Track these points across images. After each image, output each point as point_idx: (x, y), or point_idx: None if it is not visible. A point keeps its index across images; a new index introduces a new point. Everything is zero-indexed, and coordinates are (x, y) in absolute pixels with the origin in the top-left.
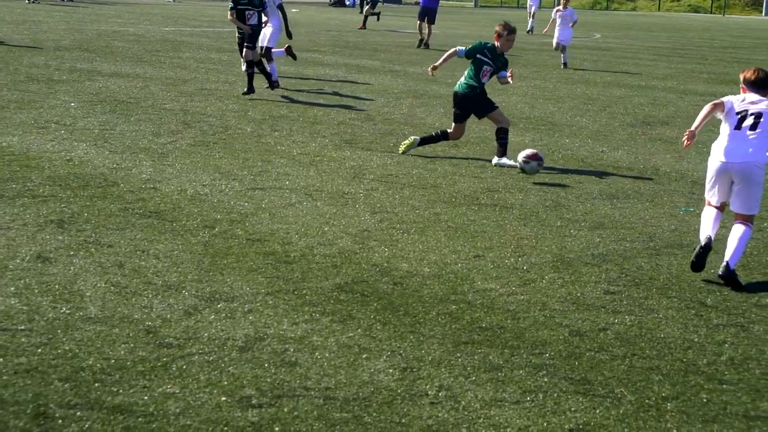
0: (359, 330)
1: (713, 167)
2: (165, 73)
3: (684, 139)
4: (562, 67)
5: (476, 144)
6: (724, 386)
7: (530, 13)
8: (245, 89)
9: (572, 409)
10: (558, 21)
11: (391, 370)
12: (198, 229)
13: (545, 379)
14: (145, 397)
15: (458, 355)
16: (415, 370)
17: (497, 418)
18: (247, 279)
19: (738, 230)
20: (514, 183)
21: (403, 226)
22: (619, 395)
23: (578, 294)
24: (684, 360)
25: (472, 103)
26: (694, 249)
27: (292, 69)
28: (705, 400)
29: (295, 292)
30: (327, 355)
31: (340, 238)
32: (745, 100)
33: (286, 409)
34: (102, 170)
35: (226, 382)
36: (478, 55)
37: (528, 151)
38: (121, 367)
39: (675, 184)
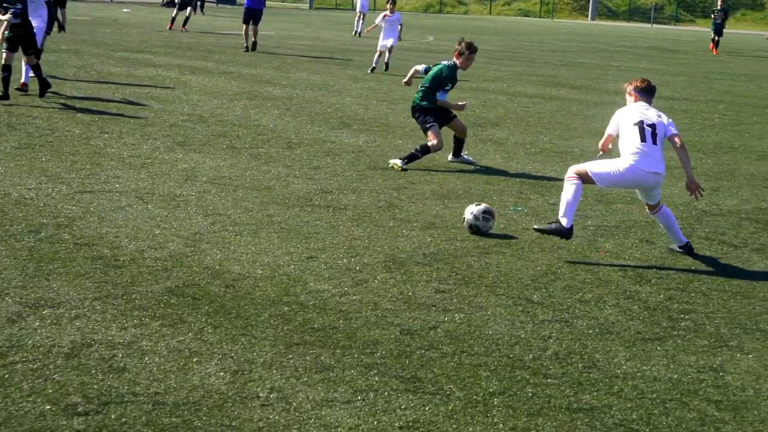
0: (190, 334)
1: (629, 173)
2: None
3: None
4: (384, 68)
5: (310, 145)
6: (549, 380)
7: (358, 17)
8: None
9: (402, 407)
10: (384, 26)
11: (222, 373)
12: (23, 234)
13: (376, 378)
14: None
15: (290, 356)
16: (246, 372)
17: (328, 418)
18: (74, 284)
19: (664, 214)
20: (347, 184)
21: (235, 228)
22: (448, 392)
23: (409, 293)
24: (511, 356)
25: (414, 115)
26: (554, 226)
27: (123, 70)
28: (530, 394)
29: (124, 297)
30: (157, 359)
31: (171, 241)
32: (635, 110)
33: (113, 416)
34: None
35: (50, 390)
36: (450, 84)
37: (483, 207)
38: None
39: (504, 184)
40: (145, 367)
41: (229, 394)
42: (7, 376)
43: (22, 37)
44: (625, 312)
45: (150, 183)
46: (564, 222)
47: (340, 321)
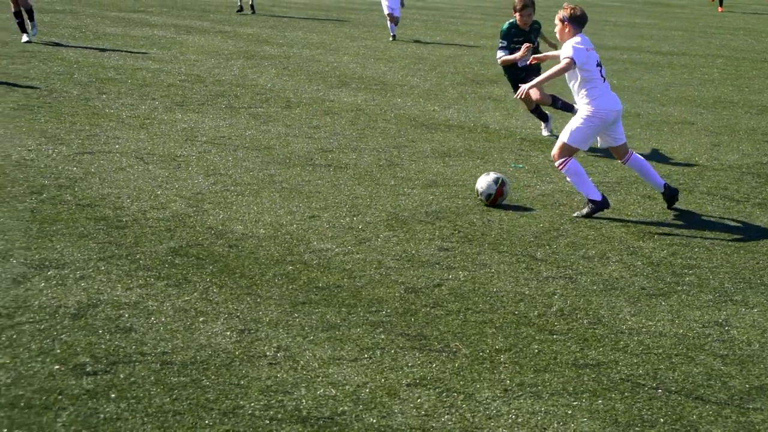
0: (195, 293)
1: (605, 118)
2: None
3: (521, 92)
4: (390, 39)
5: (309, 104)
6: (555, 336)
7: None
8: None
9: (409, 364)
10: None
11: (228, 333)
12: (24, 196)
13: (382, 336)
14: None
15: (296, 315)
16: (252, 331)
17: (336, 376)
18: (78, 245)
19: (637, 160)
20: (348, 143)
21: (237, 188)
22: (454, 349)
23: (413, 251)
24: (516, 312)
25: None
26: (589, 208)
27: (119, 30)
28: (536, 351)
29: (129, 257)
30: (163, 319)
31: (174, 201)
32: (587, 48)
33: (122, 375)
34: None
35: (59, 350)
36: (512, 46)
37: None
38: None
39: (504, 141)
40: (152, 327)
41: (237, 353)
42: (15, 336)
43: None
44: (628, 268)
45: (150, 143)
46: (593, 197)
47: (345, 280)
